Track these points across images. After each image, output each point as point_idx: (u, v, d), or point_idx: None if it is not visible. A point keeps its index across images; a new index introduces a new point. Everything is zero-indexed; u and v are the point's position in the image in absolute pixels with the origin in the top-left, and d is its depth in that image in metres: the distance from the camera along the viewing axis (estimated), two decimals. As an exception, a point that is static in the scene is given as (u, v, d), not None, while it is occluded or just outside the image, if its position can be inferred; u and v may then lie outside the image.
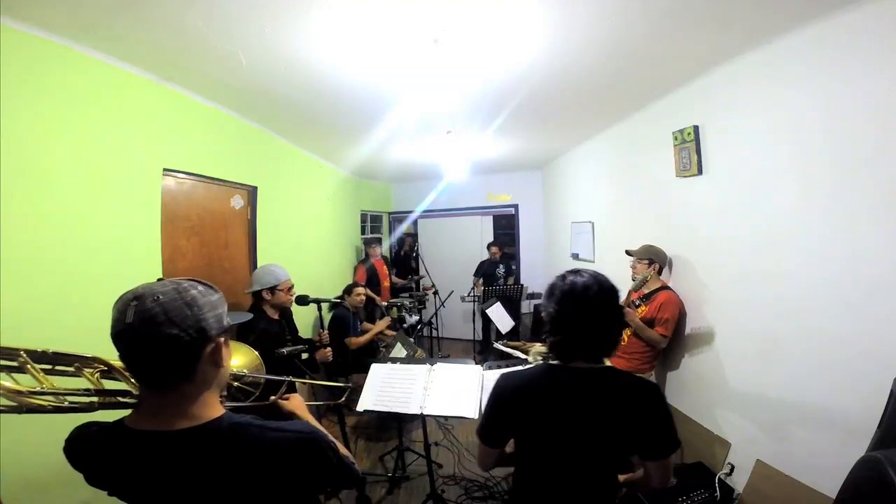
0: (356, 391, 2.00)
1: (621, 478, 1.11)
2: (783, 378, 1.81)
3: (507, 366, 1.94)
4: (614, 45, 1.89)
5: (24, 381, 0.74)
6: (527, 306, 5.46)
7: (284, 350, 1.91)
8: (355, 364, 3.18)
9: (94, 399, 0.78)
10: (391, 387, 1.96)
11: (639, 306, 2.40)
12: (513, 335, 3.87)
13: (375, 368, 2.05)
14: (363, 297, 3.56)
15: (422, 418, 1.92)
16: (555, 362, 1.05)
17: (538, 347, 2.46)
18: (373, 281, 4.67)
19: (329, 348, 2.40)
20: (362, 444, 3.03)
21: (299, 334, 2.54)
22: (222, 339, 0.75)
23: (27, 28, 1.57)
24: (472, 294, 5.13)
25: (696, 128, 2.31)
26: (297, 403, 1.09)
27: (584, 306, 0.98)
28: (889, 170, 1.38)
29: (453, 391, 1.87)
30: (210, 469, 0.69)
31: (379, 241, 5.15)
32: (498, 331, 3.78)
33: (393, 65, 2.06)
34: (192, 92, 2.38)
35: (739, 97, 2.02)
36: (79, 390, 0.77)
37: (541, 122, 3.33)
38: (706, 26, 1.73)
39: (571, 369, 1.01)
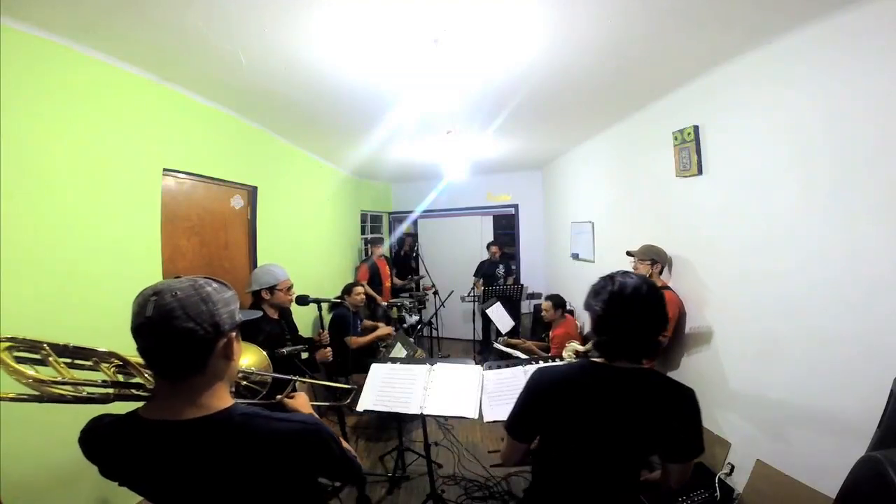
0: (356, 391, 2.00)
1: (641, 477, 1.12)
2: (783, 378, 1.80)
3: (508, 366, 1.94)
4: (614, 45, 1.89)
5: (46, 373, 0.78)
6: (527, 306, 5.45)
7: (284, 350, 1.91)
8: (355, 364, 3.18)
9: (111, 391, 0.83)
10: (391, 387, 1.96)
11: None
12: (513, 335, 3.87)
13: (375, 368, 2.05)
14: (363, 297, 3.56)
15: (422, 418, 1.92)
16: (597, 360, 1.06)
17: (574, 345, 2.48)
18: (375, 280, 4.67)
19: (329, 348, 2.40)
20: (362, 444, 3.03)
21: (299, 334, 2.54)
22: (234, 335, 0.79)
23: (27, 28, 1.57)
24: (472, 294, 5.13)
25: (696, 128, 2.31)
26: (302, 402, 1.12)
27: (633, 307, 0.99)
28: (889, 170, 1.38)
29: (453, 391, 1.87)
30: (219, 457, 0.73)
31: (381, 240, 5.15)
32: (498, 331, 3.78)
33: (393, 65, 2.06)
34: (192, 92, 2.38)
35: (739, 97, 2.02)
36: (96, 381, 0.82)
37: (541, 122, 3.33)
38: (706, 26, 1.73)
39: (615, 368, 1.02)
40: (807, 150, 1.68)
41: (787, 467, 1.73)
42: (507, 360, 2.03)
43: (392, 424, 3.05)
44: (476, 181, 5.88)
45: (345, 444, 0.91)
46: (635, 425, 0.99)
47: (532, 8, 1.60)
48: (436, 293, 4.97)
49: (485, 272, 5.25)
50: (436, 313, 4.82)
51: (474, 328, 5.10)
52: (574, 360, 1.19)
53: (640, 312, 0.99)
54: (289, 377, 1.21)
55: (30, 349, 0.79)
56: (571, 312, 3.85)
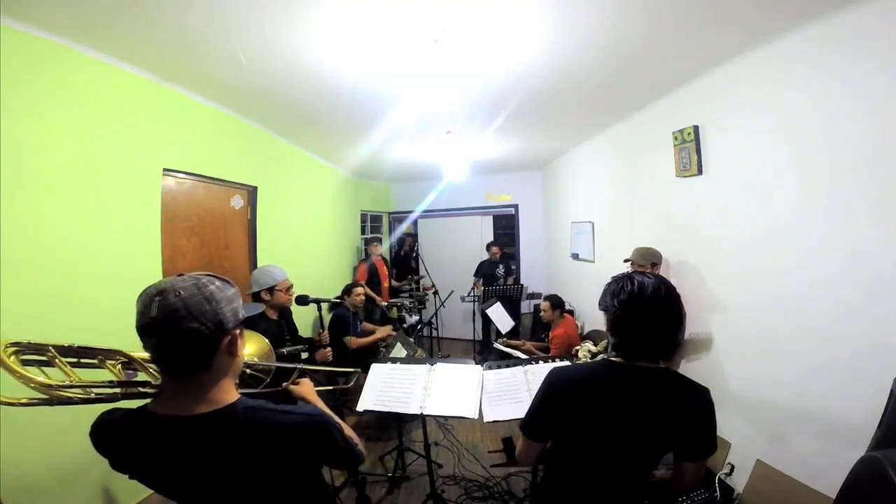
0: (357, 390, 2.00)
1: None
2: (783, 378, 1.80)
3: (508, 366, 1.94)
4: (614, 45, 1.89)
5: (53, 374, 0.79)
6: (527, 306, 5.45)
7: (284, 350, 1.91)
8: (355, 364, 3.18)
9: (118, 390, 0.84)
10: (391, 387, 1.96)
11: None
12: (513, 335, 3.87)
13: (375, 368, 2.05)
14: (363, 297, 3.56)
15: (422, 418, 1.92)
16: (616, 360, 1.07)
17: (588, 345, 2.49)
18: (373, 280, 4.67)
19: (329, 348, 2.40)
20: (362, 444, 3.02)
21: (299, 334, 2.54)
22: (237, 331, 0.81)
23: (27, 28, 1.57)
24: (472, 294, 5.13)
25: (696, 128, 2.31)
26: (307, 389, 1.14)
27: (652, 308, 1.00)
28: (889, 170, 1.38)
29: (453, 391, 1.87)
30: (226, 449, 0.75)
31: (380, 240, 5.14)
32: (498, 331, 3.78)
33: (393, 65, 2.06)
34: (192, 92, 2.38)
35: (739, 97, 2.02)
36: (103, 382, 0.83)
37: (541, 122, 3.33)
38: (706, 26, 1.73)
39: (634, 368, 1.03)
40: (807, 150, 1.68)
41: (787, 467, 1.73)
42: (507, 360, 2.03)
43: (392, 424, 3.05)
44: (476, 181, 5.88)
45: (348, 430, 0.94)
46: (652, 424, 1.00)
47: (532, 8, 1.60)
48: (436, 293, 4.96)
49: (485, 272, 5.25)
50: (436, 313, 4.81)
51: (474, 328, 5.10)
52: (590, 361, 1.20)
53: (659, 313, 1.00)
54: (293, 365, 1.24)
55: (36, 352, 0.80)
56: (571, 312, 3.85)
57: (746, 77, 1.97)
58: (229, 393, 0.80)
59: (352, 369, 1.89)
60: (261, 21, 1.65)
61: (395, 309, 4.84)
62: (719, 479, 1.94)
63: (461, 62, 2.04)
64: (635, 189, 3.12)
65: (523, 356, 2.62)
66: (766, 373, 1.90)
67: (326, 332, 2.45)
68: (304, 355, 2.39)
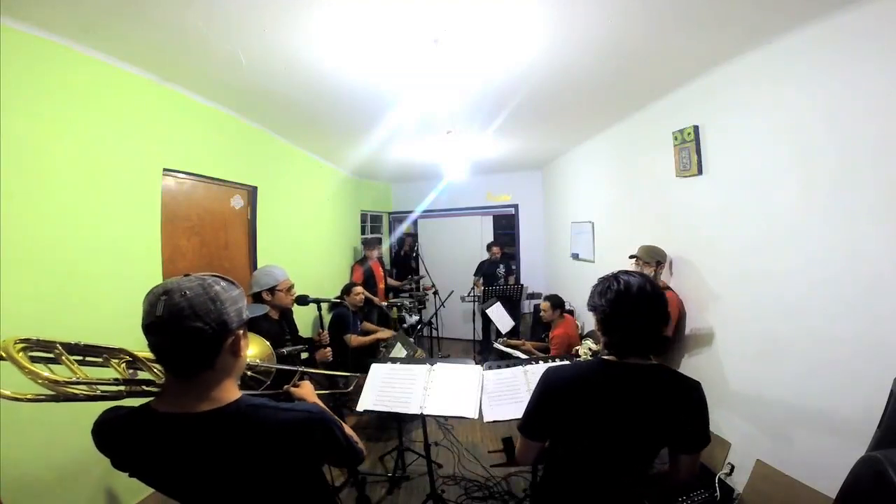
0: (357, 391, 2.00)
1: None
2: (783, 378, 1.80)
3: (508, 366, 1.94)
4: (614, 45, 1.89)
5: (59, 371, 0.80)
6: (527, 306, 5.45)
7: (284, 350, 1.91)
8: (355, 364, 3.18)
9: (122, 388, 0.85)
10: (391, 387, 1.96)
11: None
12: (513, 335, 3.87)
13: (375, 368, 2.05)
14: (362, 297, 3.56)
15: (422, 418, 1.92)
16: (608, 358, 1.08)
17: (589, 344, 2.52)
18: (369, 282, 4.66)
19: (329, 348, 2.40)
20: (362, 444, 3.02)
21: (299, 334, 2.54)
22: (241, 332, 0.82)
23: (27, 28, 1.57)
24: (472, 294, 5.13)
25: (696, 128, 2.31)
26: (307, 391, 1.15)
27: (639, 306, 1.02)
28: (889, 170, 1.38)
29: (453, 391, 1.87)
30: (228, 447, 0.75)
31: (378, 242, 5.14)
32: (498, 331, 3.78)
33: (393, 65, 2.06)
34: (192, 92, 2.38)
35: (739, 97, 2.02)
36: (109, 380, 0.85)
37: (541, 122, 3.33)
38: (706, 26, 1.73)
39: (626, 365, 1.05)
40: (807, 150, 1.68)
41: (787, 467, 1.73)
42: (507, 360, 2.03)
43: (392, 424, 3.05)
44: (476, 181, 5.88)
45: (348, 429, 0.94)
46: (647, 419, 1.01)
47: (532, 8, 1.60)
48: (436, 293, 4.96)
49: (485, 272, 5.25)
50: (436, 313, 4.81)
51: (474, 328, 5.10)
52: (590, 358, 1.22)
53: (647, 310, 1.02)
54: (293, 368, 1.24)
55: (43, 349, 0.82)
56: (571, 312, 3.85)
57: (746, 77, 1.97)
58: (231, 391, 0.81)
59: (351, 373, 1.88)
60: (261, 21, 1.65)
61: (395, 309, 4.84)
62: (719, 479, 1.94)
63: (461, 62, 2.04)
64: (635, 189, 3.12)
65: (523, 356, 2.62)
66: (766, 372, 1.90)
67: (326, 331, 2.45)
68: (304, 355, 2.39)
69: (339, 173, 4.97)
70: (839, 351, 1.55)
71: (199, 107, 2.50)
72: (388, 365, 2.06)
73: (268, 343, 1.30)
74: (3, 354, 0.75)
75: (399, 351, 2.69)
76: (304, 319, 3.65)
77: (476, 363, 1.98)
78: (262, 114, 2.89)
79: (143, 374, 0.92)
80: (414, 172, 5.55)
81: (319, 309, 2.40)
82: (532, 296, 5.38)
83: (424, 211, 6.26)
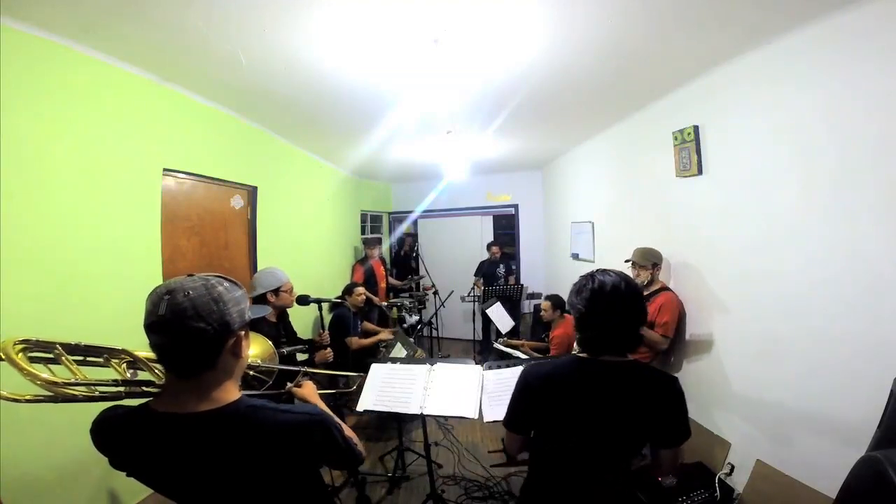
0: (357, 390, 2.00)
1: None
2: (783, 378, 1.80)
3: (508, 366, 1.94)
4: (614, 45, 1.89)
5: (59, 372, 0.80)
6: (527, 306, 5.45)
7: (284, 350, 1.91)
8: (356, 364, 3.18)
9: (122, 389, 0.86)
10: (391, 387, 1.96)
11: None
12: (513, 335, 3.87)
13: (375, 368, 2.05)
14: (364, 297, 3.56)
15: (422, 418, 1.92)
16: (582, 355, 1.10)
17: None
18: (370, 282, 4.66)
19: (329, 349, 2.40)
20: (362, 444, 3.02)
21: (298, 336, 2.53)
22: (243, 333, 0.82)
23: (27, 28, 1.57)
24: (472, 294, 5.13)
25: (696, 128, 2.31)
26: (309, 391, 1.14)
27: (614, 304, 1.03)
28: (889, 170, 1.38)
29: (453, 391, 1.87)
30: (227, 447, 0.75)
31: (379, 241, 5.14)
32: (498, 331, 3.78)
33: (393, 65, 2.06)
34: (192, 92, 2.38)
35: (739, 97, 2.02)
36: (108, 381, 0.84)
37: (541, 122, 3.33)
38: (706, 26, 1.73)
39: (600, 362, 1.06)
40: (807, 150, 1.68)
41: (787, 467, 1.73)
42: (507, 360, 2.03)
43: (392, 424, 3.05)
44: (476, 181, 5.88)
45: (348, 430, 0.95)
46: (625, 415, 1.02)
47: (532, 8, 1.60)
48: (436, 293, 4.96)
49: (485, 272, 5.25)
50: (436, 313, 4.81)
51: (474, 328, 5.10)
52: (567, 355, 1.23)
53: (621, 309, 1.03)
54: (296, 368, 1.24)
55: (43, 350, 0.81)
56: (570, 312, 3.84)
57: (746, 77, 1.97)
58: (231, 392, 0.81)
59: (353, 373, 1.89)
60: (261, 21, 1.65)
61: (395, 309, 4.84)
62: (719, 479, 1.94)
63: (461, 62, 2.04)
64: (635, 189, 3.12)
65: (523, 356, 2.62)
66: (766, 373, 1.90)
67: (327, 332, 2.45)
68: (304, 356, 2.38)
69: (339, 173, 4.96)
70: (839, 351, 1.55)
71: (199, 107, 2.50)
72: (388, 365, 2.06)
73: (270, 343, 1.30)
74: (3, 356, 0.74)
75: (399, 351, 2.69)
76: (304, 320, 3.65)
77: (476, 363, 1.98)
78: (262, 114, 2.89)
79: (143, 375, 0.92)
80: (414, 172, 5.55)
81: (320, 309, 2.40)
82: (532, 296, 5.38)
83: (424, 211, 6.26)
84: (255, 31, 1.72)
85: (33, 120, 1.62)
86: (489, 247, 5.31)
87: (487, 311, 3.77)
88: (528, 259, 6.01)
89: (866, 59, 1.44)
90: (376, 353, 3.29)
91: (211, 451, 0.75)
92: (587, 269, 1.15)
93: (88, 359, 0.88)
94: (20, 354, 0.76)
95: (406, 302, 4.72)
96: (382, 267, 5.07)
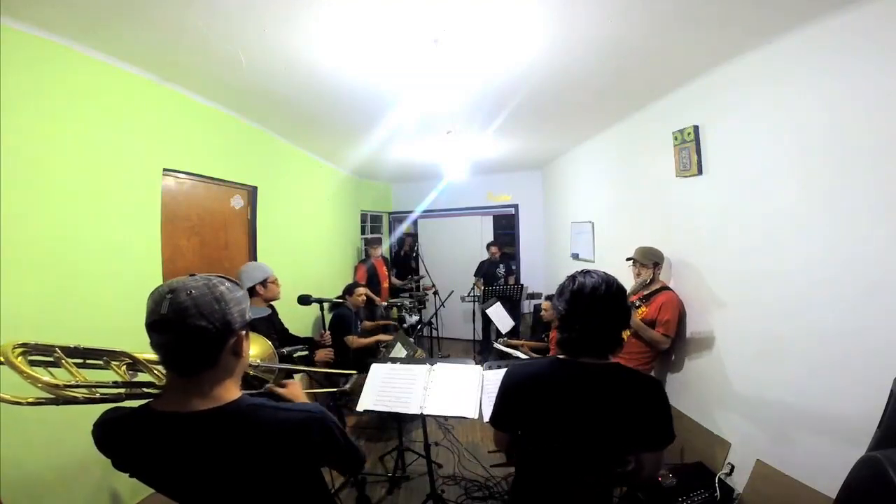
0: (357, 391, 2.00)
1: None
2: (783, 378, 1.80)
3: (508, 366, 1.94)
4: (614, 45, 1.89)
5: (59, 375, 0.81)
6: (527, 306, 5.45)
7: (284, 350, 1.92)
8: (356, 364, 3.18)
9: (122, 390, 0.86)
10: (391, 387, 1.96)
11: (639, 307, 2.40)
12: (513, 335, 3.87)
13: (375, 368, 2.05)
14: (364, 298, 3.56)
15: (422, 418, 1.92)
16: (562, 357, 1.09)
17: None
18: (373, 281, 4.67)
19: (330, 349, 2.40)
20: (362, 444, 3.02)
21: (290, 333, 2.53)
22: (244, 333, 0.83)
23: (27, 28, 1.57)
24: (472, 294, 5.13)
25: (696, 128, 2.31)
26: (294, 391, 1.07)
27: (593, 306, 1.02)
28: (890, 170, 1.38)
29: (453, 391, 1.87)
30: (228, 445, 0.76)
31: (379, 240, 5.14)
32: (498, 331, 3.78)
33: (393, 65, 2.06)
34: (192, 92, 2.38)
35: (739, 97, 2.02)
36: (108, 382, 0.85)
37: (541, 122, 3.33)
38: (706, 26, 1.73)
39: (580, 364, 1.05)
40: (807, 150, 1.68)
41: (787, 467, 1.73)
42: (507, 360, 2.03)
43: (392, 424, 3.05)
44: (476, 181, 5.88)
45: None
46: (604, 418, 1.01)
47: (532, 8, 1.60)
48: (436, 293, 4.97)
49: (485, 272, 5.25)
50: (436, 313, 4.81)
51: (474, 328, 5.10)
52: (548, 356, 1.23)
53: (602, 310, 1.02)
54: (294, 367, 1.24)
55: (42, 353, 0.82)
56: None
57: (746, 77, 1.97)
58: (232, 391, 0.81)
59: (350, 371, 1.88)
60: (261, 21, 1.64)
61: (395, 309, 4.83)
62: (719, 479, 1.94)
63: (461, 62, 2.04)
64: (635, 189, 3.12)
65: (523, 356, 2.62)
66: (766, 373, 1.90)
67: (328, 332, 2.45)
68: (304, 353, 2.39)
69: (339, 173, 4.96)
70: (839, 351, 1.55)
71: (199, 107, 2.50)
72: (388, 365, 2.06)
73: (270, 343, 1.30)
74: (2, 359, 0.75)
75: (399, 351, 2.69)
76: (304, 320, 3.66)
77: (476, 363, 1.98)
78: (262, 114, 2.89)
79: (143, 377, 0.92)
80: (414, 172, 5.55)
81: (322, 309, 2.40)
82: (532, 296, 5.38)
83: (424, 211, 6.26)
84: (255, 31, 1.72)
85: (33, 120, 1.62)
86: (489, 247, 5.31)
87: (487, 311, 3.77)
88: (528, 259, 6.01)
89: (866, 59, 1.44)
90: (376, 353, 3.29)
91: (212, 449, 0.75)
92: (597, 269, 1.15)
93: (88, 361, 0.88)
94: (20, 358, 0.77)
95: (406, 302, 4.73)
96: (385, 266, 5.07)
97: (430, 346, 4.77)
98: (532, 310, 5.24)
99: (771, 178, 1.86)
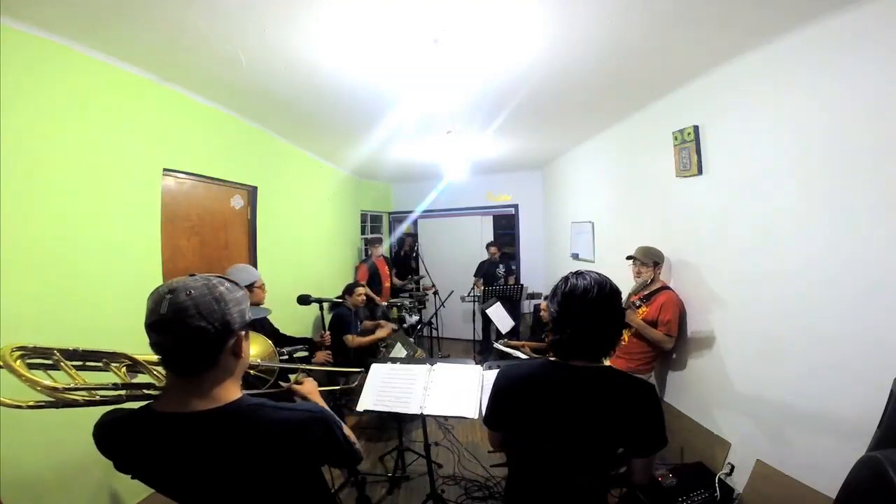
0: (357, 390, 2.00)
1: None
2: (783, 378, 1.80)
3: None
4: (614, 45, 1.89)
5: (59, 377, 0.81)
6: (527, 306, 5.45)
7: (284, 350, 1.92)
8: (357, 363, 3.18)
9: (122, 392, 0.86)
10: (391, 387, 1.96)
11: (640, 307, 2.40)
12: (513, 335, 3.87)
13: (375, 368, 2.05)
14: (364, 297, 3.56)
15: (422, 418, 1.92)
16: (553, 359, 1.08)
17: None
18: (374, 280, 4.66)
19: (328, 350, 2.40)
20: (362, 444, 3.01)
21: (280, 332, 2.52)
22: (243, 333, 0.83)
23: (27, 28, 1.57)
24: (472, 294, 5.13)
25: (696, 128, 2.31)
26: (309, 388, 1.13)
27: (585, 309, 1.01)
28: (889, 169, 1.38)
29: (453, 391, 1.87)
30: (228, 445, 0.76)
31: (380, 240, 5.14)
32: (498, 331, 3.78)
33: (393, 65, 2.06)
34: (192, 92, 2.38)
35: (740, 97, 2.02)
36: (108, 384, 0.85)
37: (541, 122, 3.33)
38: (706, 26, 1.73)
39: (571, 367, 1.04)
40: (807, 150, 1.68)
41: (787, 467, 1.73)
42: (507, 360, 2.03)
43: (392, 424, 3.05)
44: (476, 181, 5.88)
45: (347, 430, 0.94)
46: (594, 421, 1.00)
47: (532, 8, 1.60)
48: (436, 293, 4.96)
49: (485, 272, 5.24)
50: (436, 313, 4.81)
51: (474, 328, 5.10)
52: (540, 358, 1.23)
53: (593, 313, 1.01)
54: (296, 366, 1.24)
55: (41, 356, 0.82)
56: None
57: (746, 77, 1.97)
58: (232, 391, 0.81)
59: (355, 369, 1.88)
60: (261, 21, 1.65)
61: (395, 309, 4.83)
62: (719, 479, 1.94)
63: (461, 62, 2.04)
64: (635, 189, 3.12)
65: (523, 356, 2.62)
66: (766, 373, 1.90)
67: (328, 333, 2.45)
68: (304, 354, 2.39)
69: (339, 173, 4.96)
70: (839, 351, 1.55)
71: (199, 107, 2.50)
72: (388, 365, 2.06)
73: (270, 342, 1.31)
74: (1, 363, 0.75)
75: (399, 351, 2.69)
76: (304, 320, 3.66)
77: (476, 363, 1.98)
78: (262, 114, 2.89)
79: (143, 378, 0.92)
80: (414, 172, 5.55)
81: (321, 309, 2.40)
82: (532, 296, 5.38)
83: (424, 211, 6.26)
84: (255, 31, 1.72)
85: (33, 120, 1.62)
86: (488, 247, 5.31)
87: (487, 311, 3.77)
88: (528, 259, 6.01)
89: (866, 59, 1.44)
90: (376, 353, 3.29)
91: (213, 449, 0.75)
92: (587, 269, 1.15)
93: (88, 363, 0.88)
94: (18, 361, 0.77)
95: (406, 302, 4.72)
96: (387, 266, 5.07)
97: (430, 346, 4.77)
98: (532, 310, 5.24)
99: (771, 177, 1.86)
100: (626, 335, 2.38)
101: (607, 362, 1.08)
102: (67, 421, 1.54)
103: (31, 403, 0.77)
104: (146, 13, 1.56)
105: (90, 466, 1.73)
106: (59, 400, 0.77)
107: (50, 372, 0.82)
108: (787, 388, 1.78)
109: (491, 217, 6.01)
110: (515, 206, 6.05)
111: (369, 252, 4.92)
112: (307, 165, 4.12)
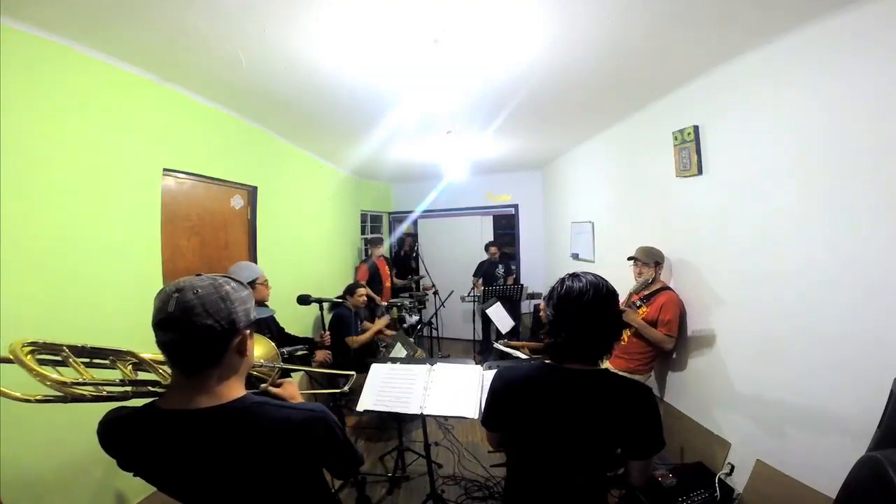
0: (357, 391, 2.00)
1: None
2: (783, 378, 1.80)
3: (507, 366, 1.94)
4: (614, 45, 1.89)
5: (67, 374, 0.82)
6: (527, 306, 5.45)
7: (285, 350, 1.92)
8: (358, 363, 3.18)
9: (129, 388, 0.87)
10: (391, 387, 1.96)
11: (640, 307, 2.40)
12: (513, 335, 3.87)
13: (375, 368, 2.05)
14: (365, 298, 3.56)
15: (422, 418, 1.92)
16: (548, 362, 1.08)
17: None
18: (375, 280, 4.66)
19: (328, 351, 2.40)
20: (362, 444, 3.02)
21: (284, 331, 2.52)
22: (248, 332, 0.84)
23: (27, 28, 1.57)
24: (471, 294, 5.12)
25: (696, 128, 2.31)
26: (290, 391, 1.08)
27: (580, 311, 1.00)
28: (889, 170, 1.38)
29: (453, 391, 1.87)
30: (231, 443, 0.77)
31: (381, 240, 5.14)
32: (498, 331, 3.78)
33: (393, 65, 2.06)
34: (192, 92, 2.38)
35: (739, 97, 2.02)
36: (115, 381, 0.86)
37: (541, 122, 3.33)
38: (706, 26, 1.73)
39: (566, 370, 1.04)
40: (807, 150, 1.68)
41: (787, 467, 1.73)
42: (507, 360, 2.03)
43: (392, 424, 3.05)
44: (476, 181, 5.88)
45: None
46: (588, 424, 1.00)
47: (532, 8, 1.60)
48: (436, 293, 4.97)
49: (485, 272, 5.25)
50: (436, 313, 4.81)
51: (474, 328, 5.10)
52: (536, 361, 1.23)
53: (589, 315, 1.00)
54: (291, 367, 1.24)
55: (50, 352, 0.83)
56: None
57: (746, 77, 1.97)
58: (236, 390, 0.82)
59: (349, 372, 1.88)
60: (261, 21, 1.64)
61: (395, 309, 4.84)
62: (719, 479, 1.94)
63: (461, 62, 2.04)
64: (635, 189, 3.12)
65: (523, 356, 2.62)
66: (766, 372, 1.90)
67: (328, 333, 2.45)
68: (303, 352, 2.39)
69: (339, 173, 4.96)
70: (839, 351, 1.55)
71: (199, 107, 2.50)
72: (388, 365, 2.06)
73: (273, 344, 1.32)
74: (12, 357, 0.76)
75: (399, 351, 2.69)
76: (304, 320, 3.65)
77: (476, 363, 1.98)
78: (262, 114, 2.89)
79: (147, 376, 0.93)
80: (414, 172, 5.55)
81: (321, 309, 2.40)
82: (532, 296, 5.38)
83: (424, 211, 6.26)
84: (255, 31, 1.72)
85: (33, 120, 1.62)
86: (488, 247, 5.31)
87: (487, 311, 3.77)
88: (528, 259, 6.01)
89: (866, 60, 1.44)
90: (376, 352, 3.29)
91: (216, 446, 0.76)
92: (587, 269, 1.15)
93: (94, 360, 0.89)
94: (29, 356, 0.78)
95: (406, 302, 4.72)
96: (387, 266, 5.07)
97: (430, 346, 4.77)
98: (532, 310, 5.24)
99: (771, 177, 1.86)
100: (626, 335, 2.38)
101: (607, 362, 1.08)
102: (68, 421, 1.55)
103: (38, 397, 0.78)
104: (146, 13, 1.55)
105: (91, 466, 1.73)
106: (67, 394, 0.78)
107: (58, 368, 0.83)
108: (787, 388, 1.78)
109: (491, 217, 6.02)
110: (515, 206, 6.05)
111: (369, 252, 4.91)
112: (307, 165, 4.12)
